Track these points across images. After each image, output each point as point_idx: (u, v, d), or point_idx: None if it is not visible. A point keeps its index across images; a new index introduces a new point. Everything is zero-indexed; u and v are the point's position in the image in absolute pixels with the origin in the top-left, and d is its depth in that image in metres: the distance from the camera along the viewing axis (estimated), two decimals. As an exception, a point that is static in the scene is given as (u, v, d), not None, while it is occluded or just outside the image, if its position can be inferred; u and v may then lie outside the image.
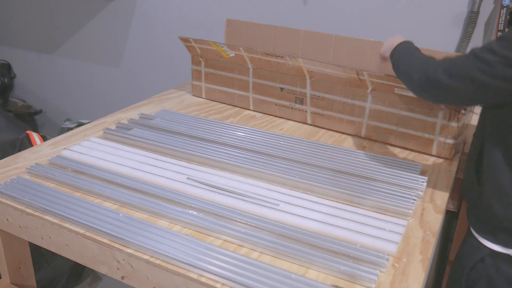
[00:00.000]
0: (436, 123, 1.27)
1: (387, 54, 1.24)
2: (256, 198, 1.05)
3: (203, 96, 1.70)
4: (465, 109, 1.24)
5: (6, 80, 2.93)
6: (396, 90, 1.30)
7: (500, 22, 1.61)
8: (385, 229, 0.96)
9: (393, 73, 1.17)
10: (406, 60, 1.11)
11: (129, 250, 0.89)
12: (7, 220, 1.06)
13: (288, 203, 1.04)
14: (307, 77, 1.43)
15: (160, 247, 0.88)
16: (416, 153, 1.34)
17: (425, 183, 1.14)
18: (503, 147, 0.95)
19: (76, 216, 0.97)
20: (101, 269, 0.96)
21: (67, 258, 1.02)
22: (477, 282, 1.02)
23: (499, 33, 1.60)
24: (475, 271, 1.02)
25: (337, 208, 1.04)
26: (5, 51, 2.97)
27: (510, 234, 0.96)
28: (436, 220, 1.03)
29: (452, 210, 1.41)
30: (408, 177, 1.16)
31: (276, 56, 1.43)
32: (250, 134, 1.38)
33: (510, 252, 0.96)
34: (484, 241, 1.01)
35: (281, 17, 1.99)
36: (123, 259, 0.91)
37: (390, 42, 1.25)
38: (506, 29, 1.58)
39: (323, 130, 1.47)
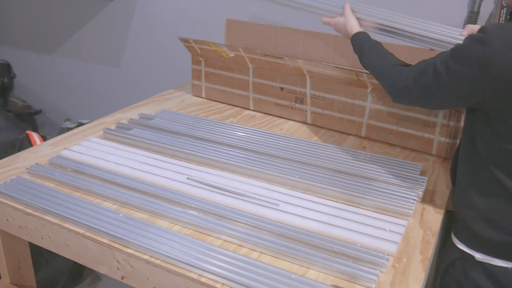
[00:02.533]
0: (436, 122, 1.27)
1: (343, 33, 1.28)
2: (256, 198, 1.05)
3: (203, 96, 1.70)
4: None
5: (6, 80, 2.93)
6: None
7: (500, 22, 1.61)
8: (385, 229, 0.96)
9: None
10: (377, 61, 1.13)
11: (129, 250, 0.89)
12: (7, 220, 1.06)
13: (288, 203, 1.04)
14: (307, 77, 1.43)
15: (160, 247, 0.88)
16: (416, 153, 1.34)
17: (425, 183, 1.14)
18: (468, 151, 0.98)
19: (76, 216, 0.97)
20: (101, 269, 0.96)
21: (67, 258, 1.02)
22: (449, 287, 1.03)
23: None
24: (447, 275, 1.03)
25: (337, 208, 1.04)
26: (5, 51, 2.97)
27: (471, 234, 0.97)
28: (436, 220, 1.03)
29: (452, 210, 1.41)
30: (408, 177, 1.16)
31: (275, 57, 1.43)
32: (250, 134, 1.38)
33: (473, 254, 0.96)
34: (455, 240, 1.01)
35: (282, 17, 1.99)
36: (123, 259, 0.91)
37: (342, 22, 1.28)
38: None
39: (323, 130, 1.47)
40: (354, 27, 1.24)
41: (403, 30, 1.24)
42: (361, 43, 1.18)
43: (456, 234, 1.01)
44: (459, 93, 0.90)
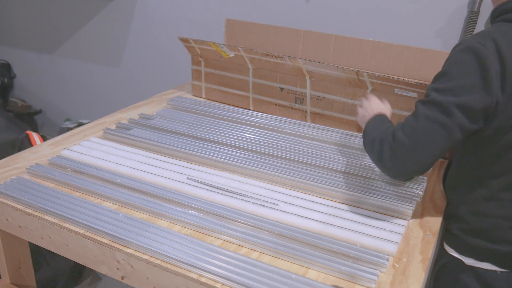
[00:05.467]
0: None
1: (363, 124, 1.12)
2: (256, 198, 1.05)
3: (203, 96, 1.70)
4: None
5: (6, 80, 2.93)
6: (396, 91, 1.30)
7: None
8: (385, 229, 0.96)
9: (392, 74, 1.17)
10: (371, 143, 1.01)
11: (129, 250, 0.89)
12: (7, 220, 1.06)
13: (288, 203, 1.04)
14: (307, 77, 1.43)
15: (160, 247, 0.88)
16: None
17: (425, 183, 1.14)
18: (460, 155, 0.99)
19: (76, 216, 0.97)
20: (101, 269, 0.96)
21: (67, 258, 1.02)
22: None
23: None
24: (439, 278, 1.05)
25: (337, 208, 1.04)
26: (5, 51, 2.97)
27: (460, 241, 0.98)
28: (436, 220, 1.03)
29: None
30: (408, 177, 1.16)
31: (275, 56, 1.43)
32: (250, 134, 1.38)
33: (462, 259, 0.98)
34: (445, 245, 1.03)
35: (282, 17, 1.99)
36: (123, 259, 0.91)
37: (365, 110, 1.13)
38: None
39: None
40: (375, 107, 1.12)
41: None
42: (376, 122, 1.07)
43: (446, 239, 1.03)
44: (473, 105, 0.83)
